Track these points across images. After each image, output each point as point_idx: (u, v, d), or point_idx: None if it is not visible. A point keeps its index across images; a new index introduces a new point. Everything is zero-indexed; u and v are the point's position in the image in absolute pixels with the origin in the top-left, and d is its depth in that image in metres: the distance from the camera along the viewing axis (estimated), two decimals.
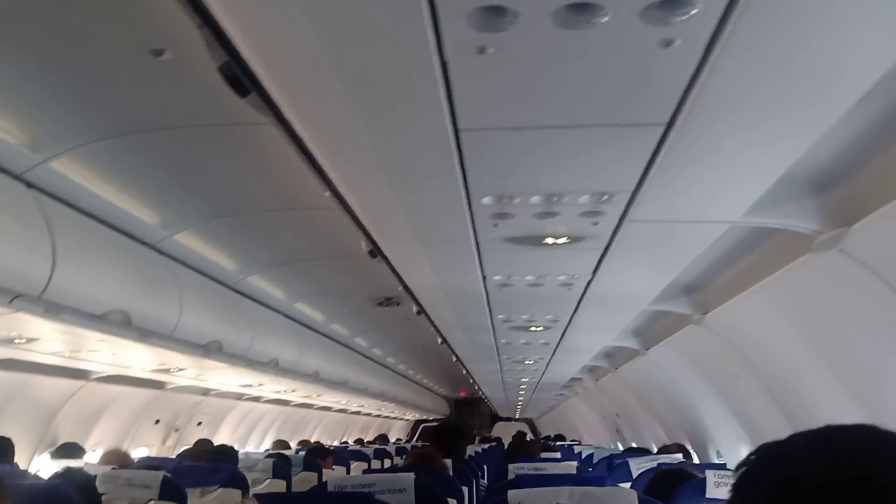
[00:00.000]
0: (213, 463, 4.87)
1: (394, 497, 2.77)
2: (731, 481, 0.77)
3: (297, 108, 2.00)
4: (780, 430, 0.74)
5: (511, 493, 2.37)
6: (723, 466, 4.56)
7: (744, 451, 4.56)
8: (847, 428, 0.72)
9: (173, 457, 5.95)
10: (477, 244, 3.08)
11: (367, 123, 1.94)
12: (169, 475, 3.43)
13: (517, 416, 19.34)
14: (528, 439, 8.30)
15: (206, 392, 7.82)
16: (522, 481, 3.05)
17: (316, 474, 5.41)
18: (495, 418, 20.57)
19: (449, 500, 2.99)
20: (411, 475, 2.90)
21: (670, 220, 2.69)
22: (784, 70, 1.65)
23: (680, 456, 5.26)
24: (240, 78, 1.81)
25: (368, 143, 2.07)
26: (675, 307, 4.49)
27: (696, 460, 5.91)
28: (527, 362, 7.60)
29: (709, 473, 3.13)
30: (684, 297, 4.44)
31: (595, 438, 11.84)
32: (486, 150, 2.05)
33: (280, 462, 5.13)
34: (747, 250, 3.49)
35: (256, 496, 3.21)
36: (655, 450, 6.41)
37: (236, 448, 5.50)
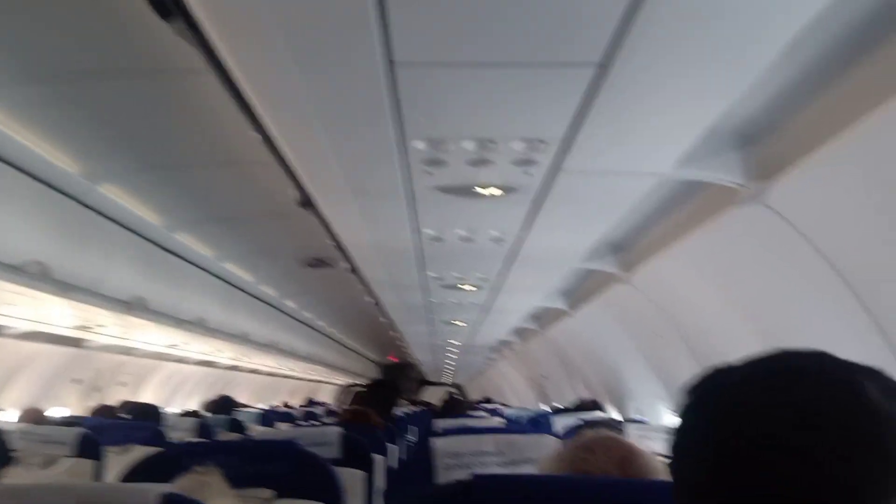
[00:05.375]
0: (135, 421, 4.78)
1: (319, 450, 2.74)
2: (683, 404, 0.76)
3: (224, 38, 1.92)
4: None
5: (434, 440, 2.37)
6: (643, 422, 4.72)
7: (662, 409, 4.68)
8: (799, 354, 0.72)
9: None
10: (410, 193, 3.05)
11: (300, 56, 1.89)
12: (86, 431, 3.35)
13: (447, 381, 19.54)
14: (453, 396, 8.39)
15: (129, 351, 7.62)
16: (448, 434, 3.07)
17: (241, 435, 5.36)
18: (424, 383, 20.76)
19: (376, 456, 2.99)
20: (338, 429, 2.89)
21: (601, 171, 2.72)
22: (712, 16, 1.67)
23: (601, 413, 5.42)
24: None
25: (300, 79, 2.02)
26: (603, 266, 4.55)
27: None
28: (457, 323, 7.66)
29: (629, 427, 3.23)
30: (611, 256, 4.51)
31: (521, 401, 12.04)
32: (420, 87, 2.03)
33: (204, 422, 5.06)
34: (673, 207, 3.54)
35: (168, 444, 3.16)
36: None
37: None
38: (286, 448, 2.46)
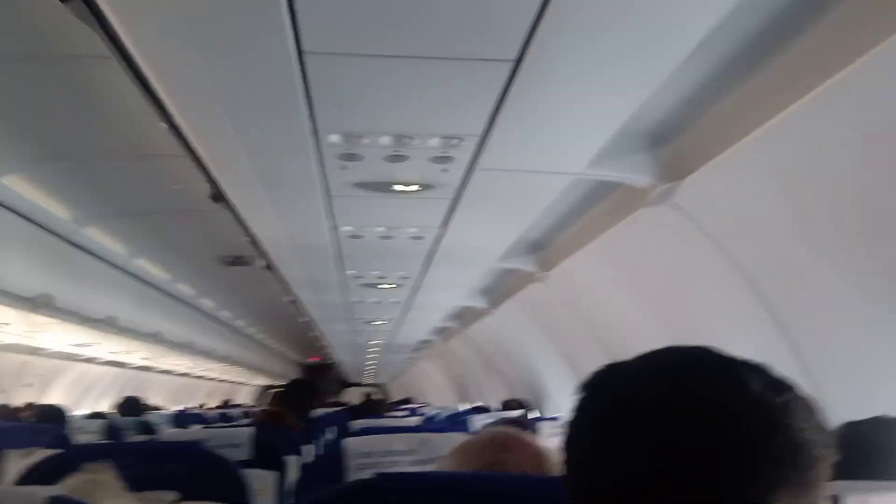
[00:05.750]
0: (39, 423, 4.59)
1: (230, 452, 2.68)
2: (576, 399, 0.75)
3: (125, 23, 1.84)
4: None
5: (346, 440, 2.34)
6: (556, 419, 4.78)
7: None
8: (687, 349, 0.73)
9: None
10: (326, 189, 3.00)
11: (203, 42, 1.82)
12: None
13: (368, 382, 19.41)
14: (373, 398, 8.36)
15: (35, 351, 7.29)
16: (363, 434, 3.04)
17: (150, 437, 5.21)
18: (346, 384, 20.57)
19: (289, 457, 2.93)
20: (250, 429, 2.84)
21: (517, 170, 2.73)
22: (624, 13, 1.68)
23: (519, 413, 5.46)
24: None
25: (205, 66, 1.95)
26: (522, 265, 4.60)
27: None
28: (377, 323, 7.60)
29: (543, 425, 3.26)
30: (530, 255, 4.55)
31: (443, 400, 12.06)
32: (333, 78, 1.98)
33: (113, 424, 4.91)
34: (589, 206, 3.60)
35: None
36: (494, 407, 6.59)
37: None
38: (190, 449, 2.39)
